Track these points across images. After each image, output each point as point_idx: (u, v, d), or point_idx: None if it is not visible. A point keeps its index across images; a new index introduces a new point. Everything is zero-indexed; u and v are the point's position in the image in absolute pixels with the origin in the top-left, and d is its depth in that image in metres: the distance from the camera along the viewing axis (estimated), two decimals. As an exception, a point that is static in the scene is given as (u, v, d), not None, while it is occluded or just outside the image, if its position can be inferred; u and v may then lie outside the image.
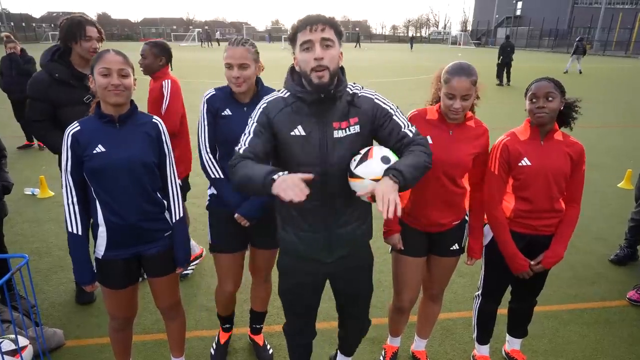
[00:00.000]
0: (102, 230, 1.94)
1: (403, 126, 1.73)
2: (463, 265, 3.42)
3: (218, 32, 53.62)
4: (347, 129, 1.69)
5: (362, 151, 1.68)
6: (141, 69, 3.08)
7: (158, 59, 3.10)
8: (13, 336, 2.29)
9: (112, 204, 1.91)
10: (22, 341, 2.34)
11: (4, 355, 2.20)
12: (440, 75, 2.03)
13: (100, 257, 1.98)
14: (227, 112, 2.19)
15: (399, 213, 1.42)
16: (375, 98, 1.75)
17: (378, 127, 1.73)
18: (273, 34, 69.45)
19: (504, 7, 60.60)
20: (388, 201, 1.41)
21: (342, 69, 1.72)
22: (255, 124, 1.72)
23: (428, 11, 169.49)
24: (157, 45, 3.13)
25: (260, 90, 2.23)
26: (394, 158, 1.63)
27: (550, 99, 2.02)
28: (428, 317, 2.55)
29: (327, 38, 1.60)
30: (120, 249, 1.98)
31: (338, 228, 1.79)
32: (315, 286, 1.98)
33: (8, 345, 2.25)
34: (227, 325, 2.71)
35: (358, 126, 1.71)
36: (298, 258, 1.89)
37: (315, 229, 1.78)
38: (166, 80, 3.07)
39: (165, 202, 2.06)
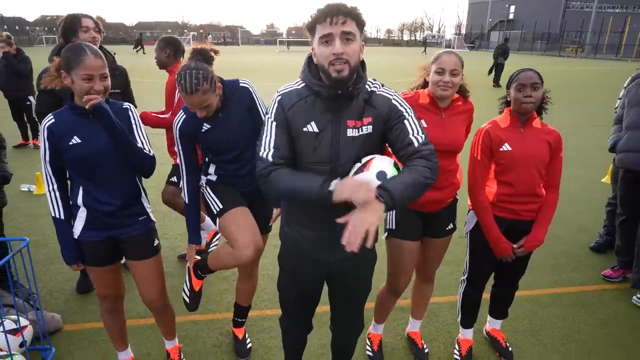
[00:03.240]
0: (81, 211, 2.03)
1: (412, 132, 1.61)
2: (449, 253, 3.57)
3: (210, 36, 53.34)
4: (360, 128, 1.61)
5: (364, 160, 1.61)
6: (157, 66, 3.29)
7: (163, 52, 3.24)
8: (14, 317, 2.39)
9: (91, 190, 2.00)
10: (23, 321, 2.44)
11: (7, 334, 2.30)
12: (426, 65, 2.17)
13: (76, 238, 2.07)
14: (206, 126, 2.18)
15: (369, 244, 1.38)
16: (393, 98, 1.66)
17: (389, 128, 1.64)
18: (267, 38, 69.60)
19: (497, 11, 61.22)
20: (355, 233, 1.37)
21: (362, 63, 1.63)
22: (273, 122, 1.63)
23: (422, 15, 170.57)
24: (162, 39, 3.30)
25: (227, 91, 2.21)
26: (391, 173, 1.54)
27: (536, 88, 2.16)
28: (422, 298, 2.64)
29: (348, 32, 1.49)
30: (97, 231, 2.06)
31: (342, 228, 1.63)
32: (315, 285, 1.94)
33: (10, 325, 2.35)
34: (204, 276, 2.50)
35: (371, 127, 1.63)
36: (300, 256, 1.85)
37: (319, 227, 1.72)
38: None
39: (142, 187, 2.15)
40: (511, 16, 61.18)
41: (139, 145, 2.05)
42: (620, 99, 3.75)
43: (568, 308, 3.15)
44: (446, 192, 2.23)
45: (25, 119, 7.19)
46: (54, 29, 72.55)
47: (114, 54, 3.25)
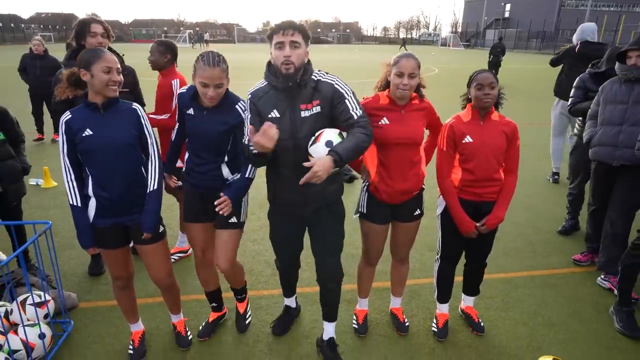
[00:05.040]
0: (92, 201, 2.27)
1: (351, 108, 2.15)
2: (432, 240, 3.87)
3: (207, 34, 53.40)
4: (311, 109, 2.15)
5: (316, 134, 2.11)
6: (150, 65, 3.47)
7: (163, 56, 3.45)
8: (40, 292, 2.68)
9: (100, 180, 2.22)
10: (47, 297, 2.72)
11: (36, 307, 2.60)
12: (389, 63, 2.44)
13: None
14: (190, 111, 2.41)
15: (318, 182, 1.93)
16: (335, 83, 2.19)
17: (334, 107, 2.17)
18: (263, 36, 69.81)
19: (493, 9, 61.59)
20: (313, 174, 1.90)
21: (308, 62, 2.16)
22: (249, 115, 2.25)
23: (419, 13, 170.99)
24: (163, 44, 3.51)
25: (224, 97, 2.38)
26: (336, 140, 2.05)
27: (493, 87, 2.45)
28: (400, 278, 2.96)
29: (295, 41, 2.06)
30: (106, 218, 2.30)
31: (309, 188, 2.15)
32: (297, 235, 2.53)
33: (36, 299, 2.64)
34: (214, 305, 2.91)
35: (319, 107, 2.16)
36: (282, 213, 2.43)
37: (292, 189, 2.21)
38: (175, 80, 3.40)
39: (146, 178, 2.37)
40: (507, 14, 61.53)
41: (148, 140, 2.33)
42: (572, 97, 4.06)
43: (538, 288, 3.46)
44: (412, 182, 2.52)
45: (50, 114, 7.64)
46: (49, 27, 72.42)
47: (123, 54, 3.51)
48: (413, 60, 2.35)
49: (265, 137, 1.95)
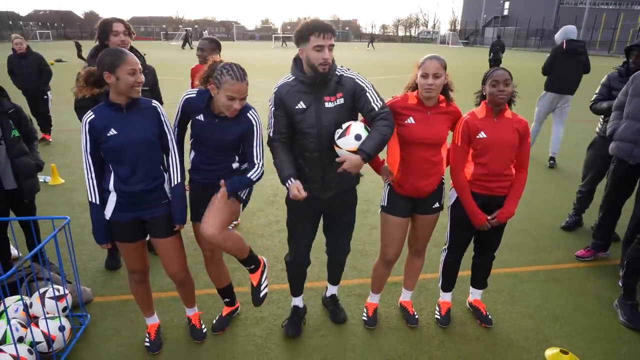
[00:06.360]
0: (112, 195, 2.32)
1: (372, 101, 2.36)
2: (440, 237, 3.93)
3: (206, 31, 53.47)
4: (335, 101, 2.36)
5: (344, 126, 2.32)
6: (199, 59, 3.74)
7: (215, 52, 3.61)
8: (57, 286, 2.73)
9: (122, 176, 2.28)
10: (65, 290, 2.78)
11: (56, 300, 2.67)
12: (418, 65, 2.48)
13: (108, 219, 2.38)
14: (200, 117, 2.41)
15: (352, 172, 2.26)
16: (356, 78, 2.40)
17: (357, 99, 2.38)
18: (262, 33, 69.61)
19: (492, 7, 61.61)
20: (349, 165, 2.22)
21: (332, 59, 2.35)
22: (273, 108, 2.41)
23: (417, 11, 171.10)
24: (214, 41, 3.79)
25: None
26: (364, 134, 2.29)
27: (507, 84, 2.51)
28: (413, 270, 3.02)
29: (332, 44, 2.27)
30: (125, 212, 2.35)
31: (330, 173, 2.44)
32: (313, 219, 2.67)
33: (55, 292, 2.69)
34: (227, 300, 2.97)
35: (342, 99, 2.37)
36: None
37: (315, 173, 2.46)
38: None
39: (165, 175, 2.43)
40: (505, 12, 61.63)
41: (168, 137, 2.40)
42: (596, 94, 4.08)
43: (543, 282, 3.53)
44: (432, 180, 2.59)
45: (41, 112, 7.59)
46: (47, 24, 72.17)
47: (144, 54, 3.56)
48: (437, 61, 2.41)
49: (298, 195, 2.29)
